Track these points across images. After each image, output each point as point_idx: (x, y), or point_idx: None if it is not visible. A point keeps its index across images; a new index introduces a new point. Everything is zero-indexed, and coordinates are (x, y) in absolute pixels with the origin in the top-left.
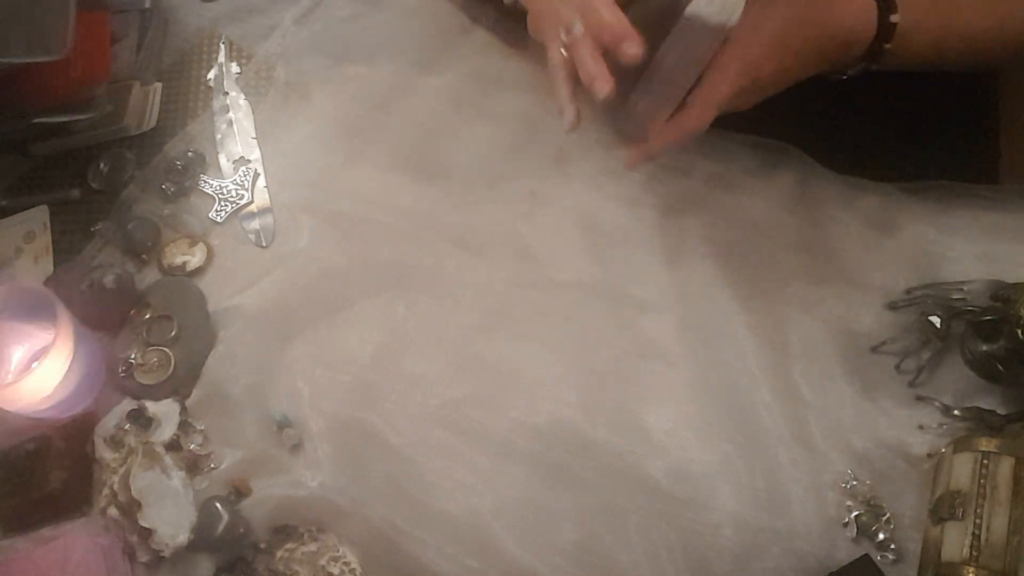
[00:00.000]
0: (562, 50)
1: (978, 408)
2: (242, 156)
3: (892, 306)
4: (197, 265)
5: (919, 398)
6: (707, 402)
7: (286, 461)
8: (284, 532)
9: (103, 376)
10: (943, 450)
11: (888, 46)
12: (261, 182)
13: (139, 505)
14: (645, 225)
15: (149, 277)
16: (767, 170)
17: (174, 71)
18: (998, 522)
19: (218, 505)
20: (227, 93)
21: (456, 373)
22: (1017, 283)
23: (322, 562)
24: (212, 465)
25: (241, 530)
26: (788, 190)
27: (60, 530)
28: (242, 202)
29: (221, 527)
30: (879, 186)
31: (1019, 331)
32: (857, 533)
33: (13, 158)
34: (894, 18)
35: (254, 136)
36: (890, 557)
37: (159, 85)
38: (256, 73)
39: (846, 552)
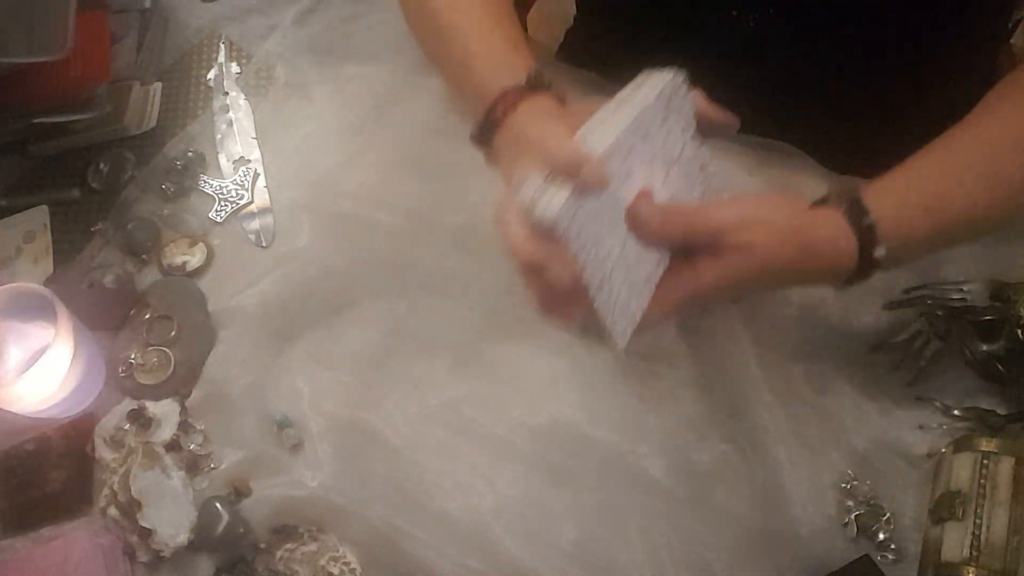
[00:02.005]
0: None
1: (978, 408)
2: (242, 156)
3: (891, 306)
4: (197, 265)
5: (919, 398)
6: (707, 402)
7: (286, 461)
8: (284, 532)
9: (103, 376)
10: (943, 450)
11: (880, 250)
12: (261, 182)
13: (139, 505)
14: None
15: (149, 277)
16: (766, 169)
17: (174, 71)
18: (998, 522)
19: (218, 505)
20: (227, 93)
21: (456, 373)
22: (1017, 283)
23: (322, 562)
24: (212, 465)
25: (241, 530)
26: (787, 188)
27: (60, 530)
28: (242, 202)
29: (221, 527)
30: None
31: (1019, 331)
32: (857, 533)
33: (13, 158)
34: (878, 252)
35: (254, 136)
36: (890, 557)
37: (159, 85)
38: (256, 73)
39: (846, 552)
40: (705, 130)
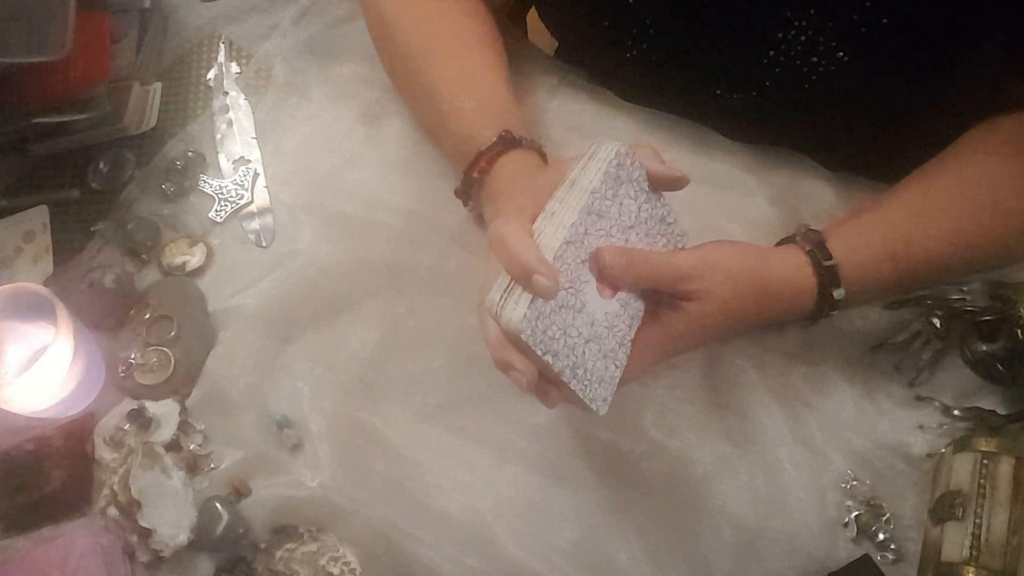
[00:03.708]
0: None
1: (978, 408)
2: (242, 156)
3: (891, 306)
4: (197, 265)
5: (919, 398)
6: (707, 402)
7: (286, 461)
8: (284, 532)
9: (103, 376)
10: (943, 450)
11: (839, 291)
12: (261, 182)
13: (139, 505)
14: None
15: (149, 277)
16: (765, 169)
17: (174, 71)
18: (998, 522)
19: (218, 505)
20: (227, 93)
21: (456, 373)
22: (1017, 283)
23: (322, 562)
24: (212, 465)
25: (241, 530)
26: (786, 189)
27: (60, 530)
28: (242, 202)
29: (221, 527)
30: (877, 185)
31: (1019, 331)
32: (857, 533)
33: (13, 158)
34: (837, 294)
35: (254, 136)
36: (890, 557)
37: (159, 85)
38: (256, 73)
39: (846, 552)
40: (658, 186)
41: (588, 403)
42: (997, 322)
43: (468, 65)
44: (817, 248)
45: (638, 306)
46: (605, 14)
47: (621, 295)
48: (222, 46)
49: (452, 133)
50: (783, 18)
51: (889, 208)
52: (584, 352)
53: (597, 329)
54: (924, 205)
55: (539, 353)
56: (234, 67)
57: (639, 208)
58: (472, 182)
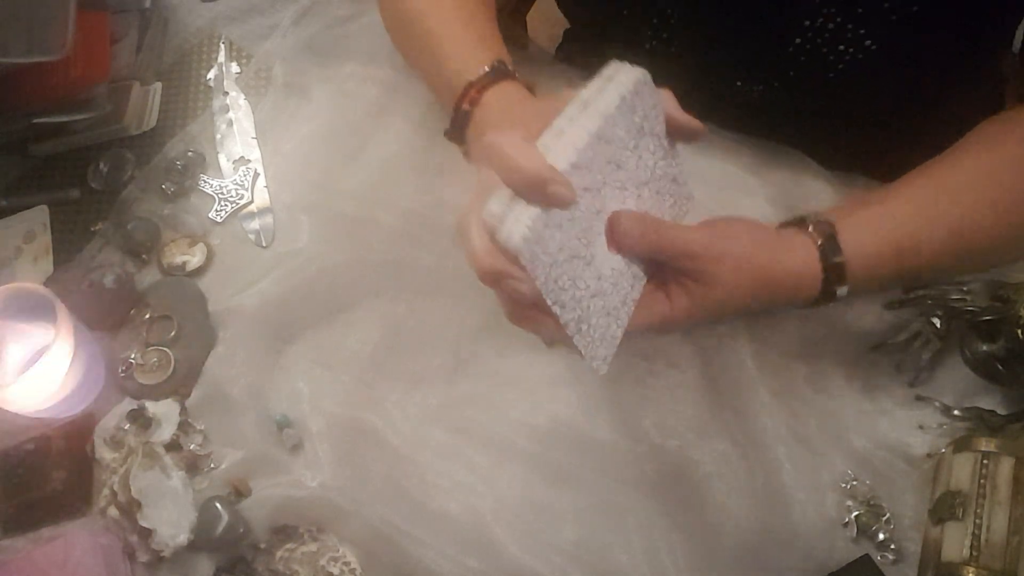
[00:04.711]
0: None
1: (978, 408)
2: (242, 156)
3: (892, 306)
4: (197, 265)
5: (919, 398)
6: (707, 402)
7: (286, 461)
8: (284, 532)
9: (103, 376)
10: (943, 450)
11: (843, 289)
12: (261, 182)
13: (139, 505)
14: None
15: (149, 277)
16: (765, 169)
17: (174, 71)
18: (998, 522)
19: (218, 505)
20: (227, 93)
21: (456, 373)
22: (1017, 283)
23: (322, 562)
24: (212, 465)
25: (241, 530)
26: (786, 189)
27: (60, 530)
28: (242, 202)
29: (221, 527)
30: (877, 185)
31: (1019, 331)
32: (857, 533)
33: (13, 158)
34: (840, 292)
35: (254, 136)
36: (890, 557)
37: (159, 85)
38: (256, 73)
39: (846, 552)
40: (674, 134)
41: (589, 360)
42: (997, 322)
43: (467, 14)
44: (828, 242)
45: (641, 266)
46: (625, 3)
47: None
48: (222, 46)
49: (446, 71)
50: (811, 5)
51: (896, 202)
52: (590, 307)
53: (603, 284)
54: (931, 203)
55: (538, 276)
56: (234, 67)
57: (655, 164)
58: (462, 116)
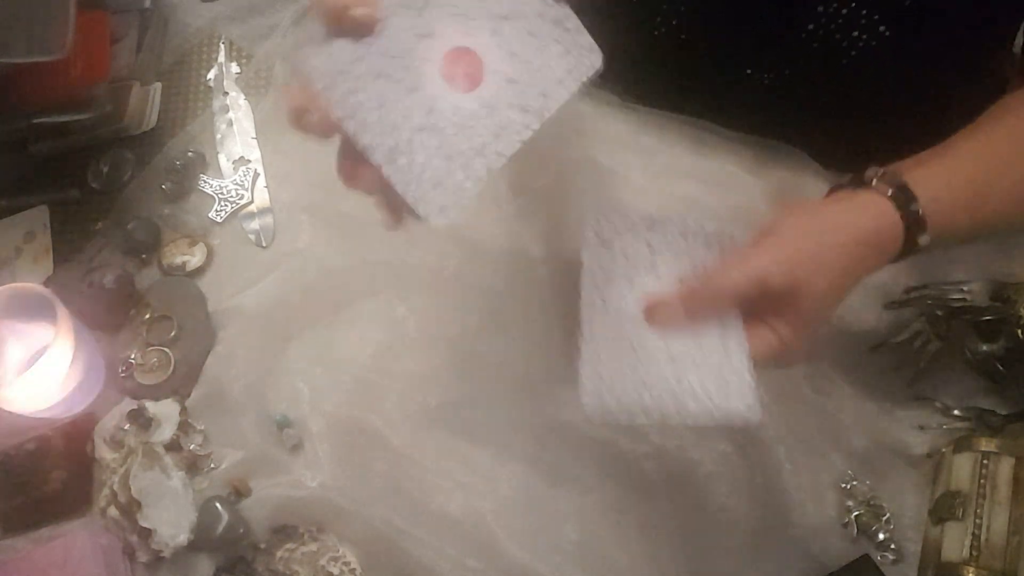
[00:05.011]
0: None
1: (978, 408)
2: (242, 156)
3: (892, 306)
4: (197, 265)
5: (919, 398)
6: None
7: (286, 461)
8: (284, 532)
9: (103, 376)
10: (943, 450)
11: (923, 237)
12: (261, 182)
13: (139, 505)
14: None
15: (149, 277)
16: (766, 169)
17: (174, 71)
18: (998, 522)
19: (218, 505)
20: (227, 93)
21: (456, 373)
22: (1017, 283)
23: (322, 562)
24: (212, 465)
25: (241, 530)
26: (787, 189)
27: (60, 530)
28: (242, 202)
29: (221, 527)
30: None
31: (1019, 331)
32: (857, 533)
33: (13, 158)
34: (923, 240)
35: (254, 136)
36: (890, 557)
37: (159, 85)
38: (256, 73)
39: (846, 552)
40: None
41: (413, 204)
42: (997, 322)
43: None
44: (900, 191)
45: (511, 117)
46: None
47: (486, 97)
48: (222, 46)
49: None
50: None
51: (959, 155)
52: (412, 140)
53: (437, 121)
54: (991, 157)
55: (336, 108)
56: (234, 67)
57: None
58: None
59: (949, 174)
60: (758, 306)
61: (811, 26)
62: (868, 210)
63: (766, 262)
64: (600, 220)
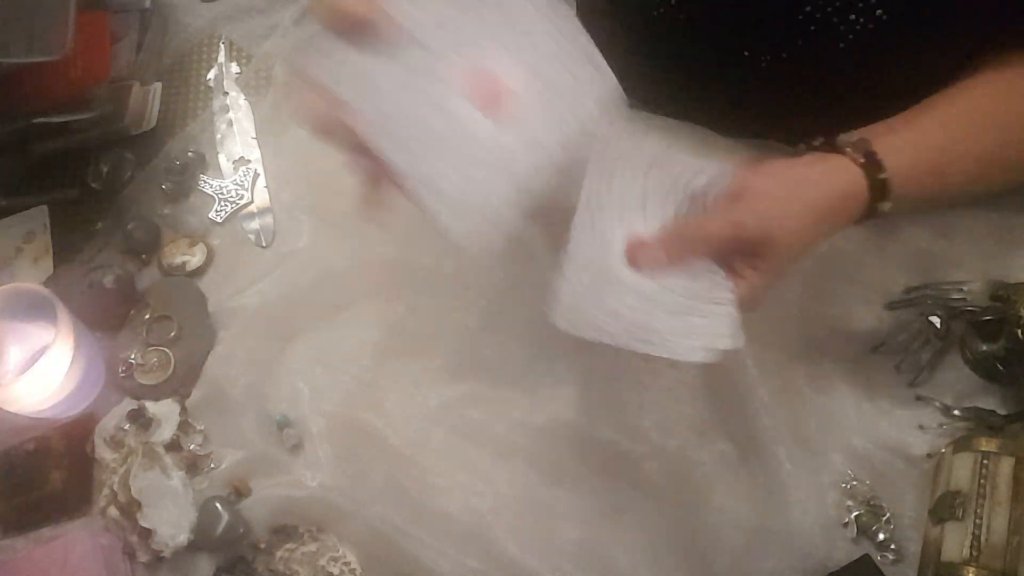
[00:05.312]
0: None
1: (978, 408)
2: (242, 156)
3: (892, 306)
4: (197, 265)
5: (919, 398)
6: (707, 402)
7: (286, 461)
8: (284, 532)
9: (103, 376)
10: (943, 450)
11: (886, 205)
12: (261, 182)
13: (139, 505)
14: None
15: (149, 277)
16: None
17: (174, 71)
18: (998, 522)
19: (218, 505)
20: (227, 93)
21: (456, 373)
22: (1017, 283)
23: (322, 562)
24: (212, 465)
25: (241, 530)
26: None
27: (60, 530)
28: (242, 202)
29: (221, 527)
30: None
31: (1019, 331)
32: (857, 533)
33: (13, 158)
34: (884, 206)
35: (254, 136)
36: (890, 557)
37: (159, 85)
38: (256, 73)
39: (846, 552)
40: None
41: (435, 215)
42: (997, 322)
43: None
44: (870, 160)
45: (535, 139)
46: None
47: (510, 119)
48: (222, 46)
49: None
50: None
51: (925, 126)
52: (439, 162)
53: (462, 143)
54: (957, 129)
55: (365, 130)
56: (234, 67)
57: (536, 18)
58: None
59: (917, 144)
60: (730, 254)
61: (808, 8)
62: (839, 174)
63: (742, 212)
64: (609, 144)
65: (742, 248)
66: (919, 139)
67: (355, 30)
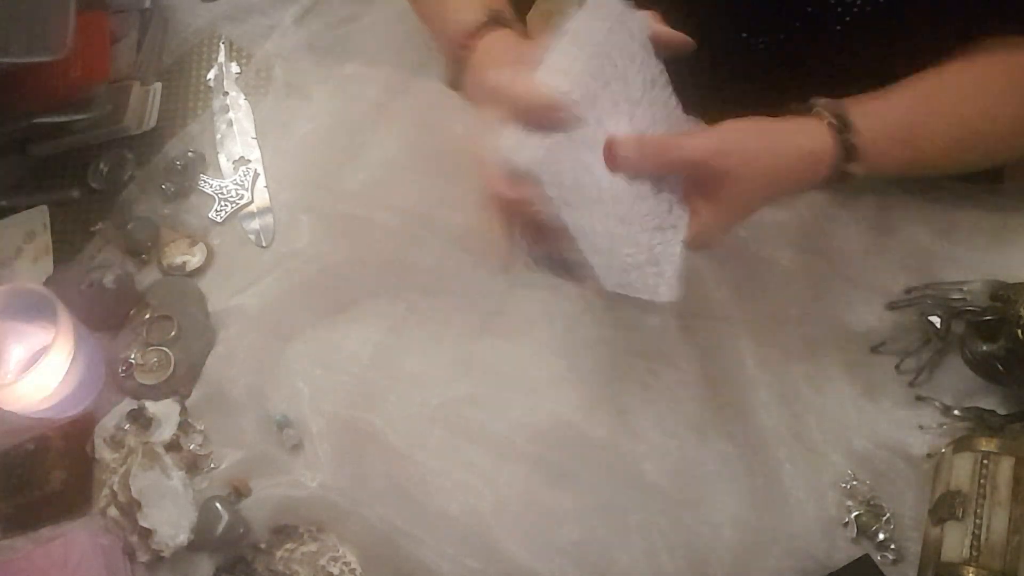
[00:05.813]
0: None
1: (978, 408)
2: (242, 156)
3: (892, 306)
4: (197, 265)
5: (919, 398)
6: (707, 402)
7: (286, 461)
8: (284, 532)
9: (103, 376)
10: (943, 450)
11: (853, 166)
12: (261, 182)
13: (139, 505)
14: None
15: (149, 277)
16: None
17: (174, 71)
18: (998, 522)
19: (218, 505)
20: (227, 93)
21: (456, 373)
22: (1017, 283)
23: (322, 562)
24: (212, 465)
25: (241, 530)
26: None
27: (60, 530)
28: (242, 202)
29: (221, 527)
30: (879, 186)
31: (1019, 331)
32: (857, 533)
33: (13, 158)
34: (853, 167)
35: (254, 136)
36: (890, 557)
37: (159, 85)
38: (256, 73)
39: (846, 552)
40: (661, 51)
41: (596, 268)
42: (997, 322)
43: None
44: (840, 120)
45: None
46: None
47: (643, 183)
48: (222, 46)
49: (448, 21)
50: None
51: (902, 99)
52: (594, 215)
53: (610, 196)
54: (933, 104)
55: (550, 193)
56: (234, 67)
57: (645, 84)
58: (460, 63)
59: (888, 111)
60: (692, 184)
61: None
62: (808, 132)
63: (711, 143)
64: (625, 15)
65: (705, 179)
66: (892, 106)
67: (543, 119)
